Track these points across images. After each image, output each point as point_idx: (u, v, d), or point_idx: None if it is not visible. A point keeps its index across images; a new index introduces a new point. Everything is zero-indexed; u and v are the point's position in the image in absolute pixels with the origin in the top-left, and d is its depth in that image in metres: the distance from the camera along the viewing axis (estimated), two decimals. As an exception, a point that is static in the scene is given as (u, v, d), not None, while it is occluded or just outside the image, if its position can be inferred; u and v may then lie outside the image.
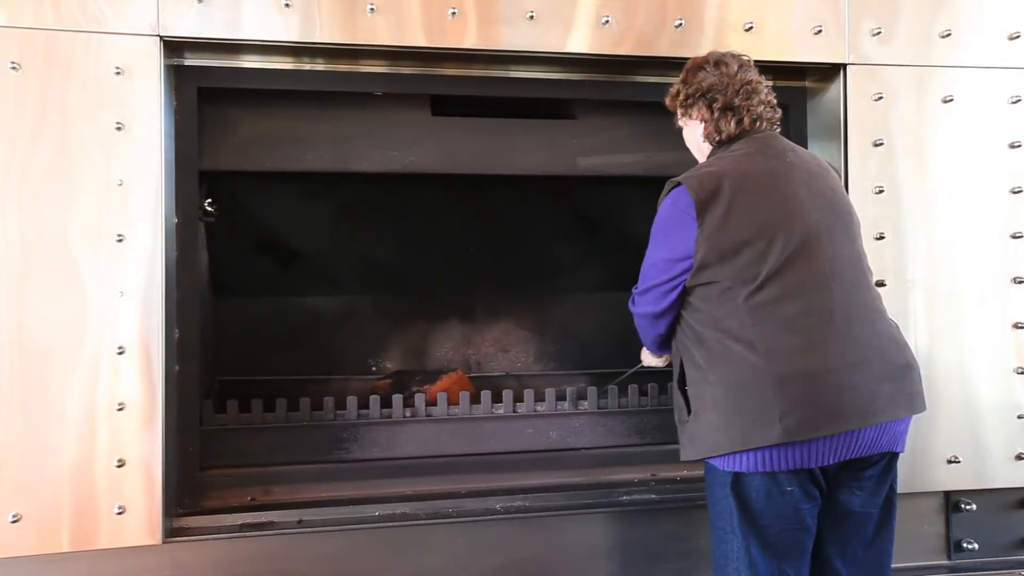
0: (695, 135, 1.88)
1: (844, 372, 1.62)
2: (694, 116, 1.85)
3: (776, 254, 1.64)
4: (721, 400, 1.65)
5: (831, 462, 1.63)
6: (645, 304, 1.81)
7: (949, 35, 2.35)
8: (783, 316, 1.64)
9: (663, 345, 1.94)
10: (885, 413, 1.65)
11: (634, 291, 1.85)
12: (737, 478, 1.63)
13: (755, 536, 1.64)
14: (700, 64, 1.85)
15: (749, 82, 1.82)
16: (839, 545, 1.74)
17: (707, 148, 1.86)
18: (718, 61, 1.83)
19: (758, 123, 1.81)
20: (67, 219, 1.88)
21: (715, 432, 1.65)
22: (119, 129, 1.88)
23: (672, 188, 1.76)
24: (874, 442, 1.66)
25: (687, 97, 1.84)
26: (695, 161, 2.01)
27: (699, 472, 1.99)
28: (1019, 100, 2.41)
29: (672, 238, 1.73)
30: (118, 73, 1.89)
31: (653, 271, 1.78)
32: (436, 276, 2.80)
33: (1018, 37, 2.40)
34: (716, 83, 1.80)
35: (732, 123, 1.79)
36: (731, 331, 1.66)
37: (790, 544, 1.66)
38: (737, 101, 1.79)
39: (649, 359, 2.09)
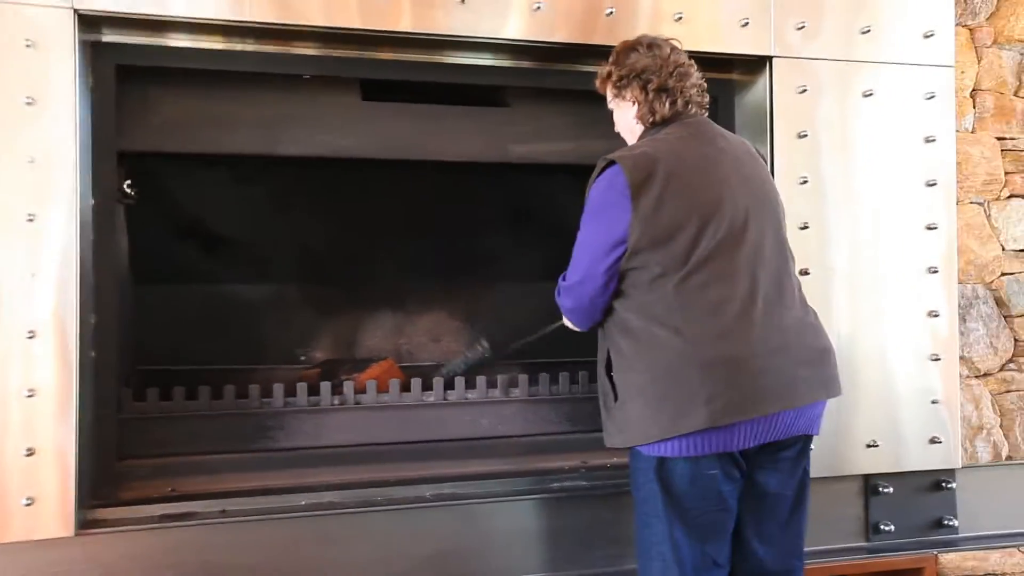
0: (627, 117, 1.88)
1: (765, 357, 1.64)
2: (627, 97, 1.84)
3: (707, 239, 1.65)
4: (648, 388, 1.66)
5: (752, 445, 1.65)
6: (576, 291, 1.79)
7: (869, 31, 2.39)
8: (709, 302, 1.65)
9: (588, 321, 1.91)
10: (803, 397, 1.69)
11: (562, 282, 1.84)
12: (661, 463, 1.64)
13: (679, 519, 1.65)
14: (632, 46, 1.85)
15: (682, 64, 1.82)
16: (756, 525, 1.77)
17: (639, 130, 1.86)
18: (651, 44, 1.83)
19: (690, 106, 1.82)
20: None
21: (642, 420, 1.66)
22: (30, 104, 1.84)
23: (606, 166, 1.74)
24: (792, 425, 1.69)
25: (620, 78, 1.84)
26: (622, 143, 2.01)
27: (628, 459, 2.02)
28: (933, 96, 2.46)
29: (605, 220, 1.72)
30: (28, 46, 1.84)
31: (586, 257, 1.76)
32: (367, 264, 2.80)
33: (932, 35, 2.45)
34: (650, 64, 1.80)
35: (666, 104, 1.79)
36: (658, 317, 1.66)
37: (712, 526, 1.69)
38: (671, 83, 1.79)
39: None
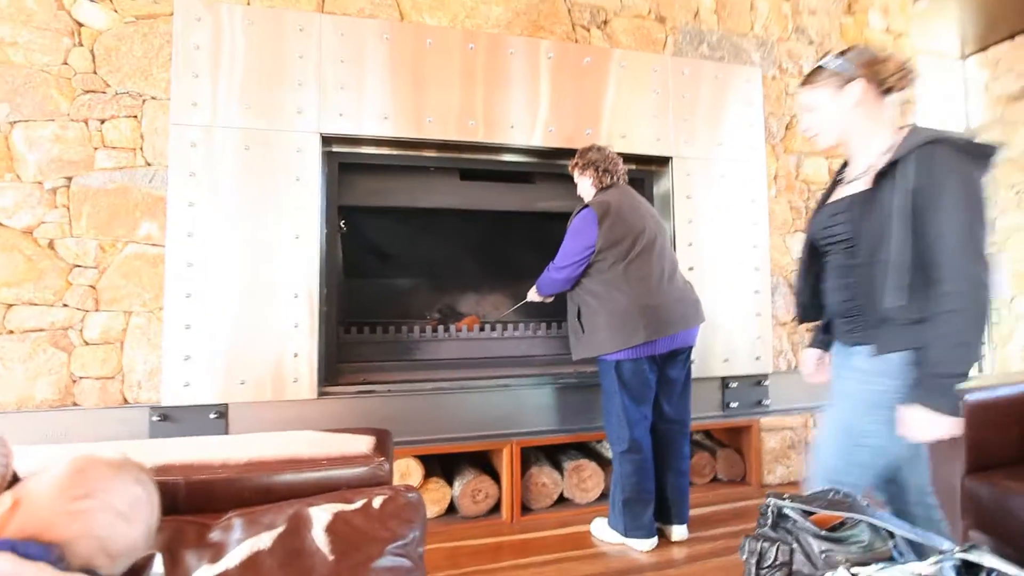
0: (586, 185, 1.93)
1: (670, 304, 1.80)
2: (587, 175, 1.91)
3: (637, 246, 1.81)
4: (608, 322, 1.76)
5: (664, 351, 1.79)
6: (563, 272, 1.82)
7: (721, 144, 2.44)
8: (639, 276, 1.79)
9: (556, 293, 1.95)
10: (688, 324, 1.82)
11: (551, 266, 1.87)
12: (619, 364, 1.76)
13: (627, 393, 1.77)
14: (588, 148, 1.93)
15: (615, 158, 1.92)
16: (665, 395, 1.87)
17: (592, 192, 1.92)
18: (599, 147, 1.93)
19: (619, 179, 1.91)
20: (271, 224, 1.93)
21: (606, 341, 1.75)
22: (297, 180, 1.96)
23: (583, 208, 1.84)
24: (684, 340, 1.81)
25: (584, 165, 1.91)
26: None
27: (594, 369, 2.03)
28: (755, 178, 2.47)
29: (584, 235, 1.80)
30: (298, 151, 1.96)
31: (571, 254, 1.81)
32: (461, 269, 2.71)
33: (753, 147, 2.47)
34: (599, 158, 1.89)
35: (608, 178, 1.89)
36: (613, 283, 1.78)
37: (644, 396, 1.79)
38: (610, 167, 1.90)
39: (533, 296, 2.04)
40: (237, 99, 1.91)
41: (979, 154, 1.03)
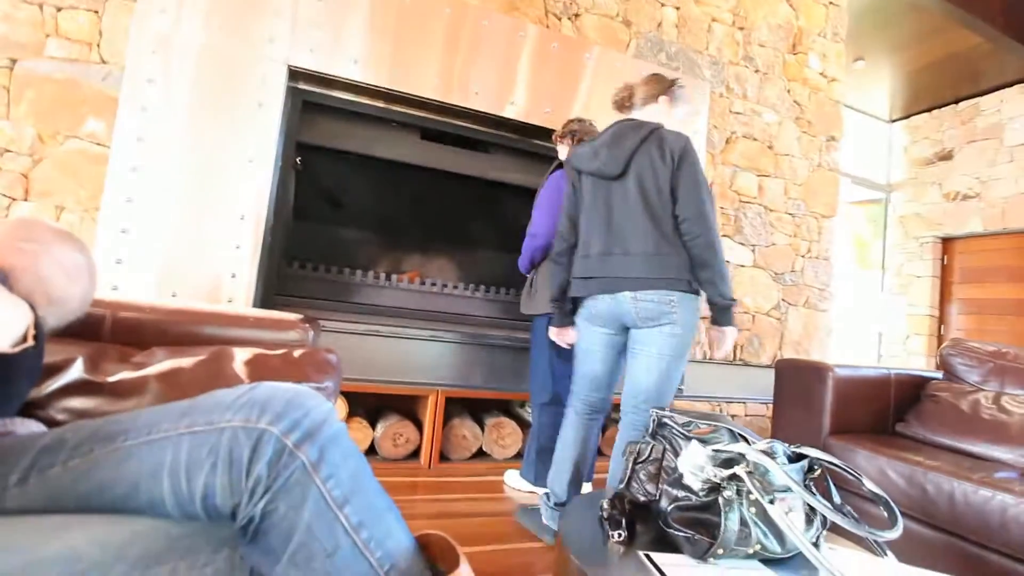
0: (564, 153, 1.95)
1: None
2: (564, 143, 1.94)
3: None
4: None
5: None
6: (540, 239, 1.83)
7: None
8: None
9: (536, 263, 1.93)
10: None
11: (528, 236, 1.87)
12: (551, 319, 1.76)
13: (555, 348, 1.80)
14: (571, 120, 1.96)
15: (594, 131, 1.92)
16: None
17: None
18: (580, 119, 1.97)
19: None
20: (226, 143, 1.91)
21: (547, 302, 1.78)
22: (260, 106, 1.97)
23: (555, 169, 1.89)
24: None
25: (563, 135, 1.94)
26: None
27: (525, 335, 2.20)
28: None
29: (559, 192, 1.78)
30: (264, 77, 1.98)
31: (548, 211, 1.79)
32: (409, 224, 2.67)
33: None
34: (579, 128, 1.92)
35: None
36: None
37: (569, 353, 1.79)
38: (586, 138, 1.85)
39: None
40: (207, 13, 1.91)
41: None
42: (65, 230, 0.73)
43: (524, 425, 2.39)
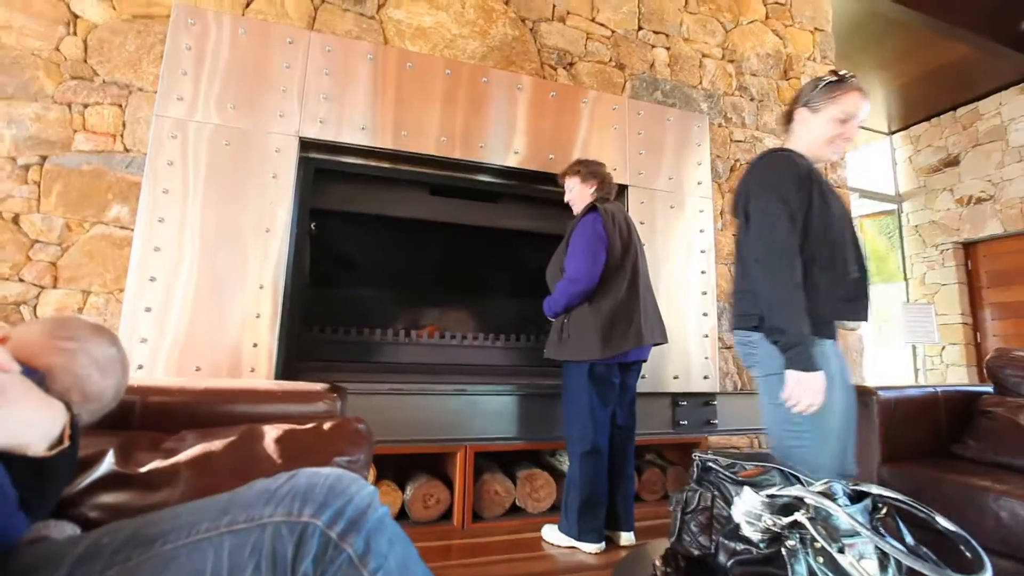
0: (586, 193, 1.95)
1: (648, 315, 1.87)
2: (590, 183, 1.94)
3: (629, 256, 1.86)
4: (599, 325, 1.78)
5: (631, 360, 1.86)
6: (580, 284, 1.79)
7: (672, 179, 2.62)
8: (628, 285, 1.84)
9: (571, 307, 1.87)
10: (655, 338, 1.89)
11: (565, 280, 1.82)
12: (592, 365, 1.78)
13: (596, 394, 1.79)
14: (587, 160, 1.98)
15: (609, 176, 2.01)
16: (620, 402, 1.91)
17: (588, 200, 1.93)
18: (597, 161, 2.01)
19: (611, 192, 2.01)
20: (242, 217, 1.96)
21: (594, 345, 1.76)
22: (274, 178, 2.03)
23: (588, 212, 1.87)
24: (647, 352, 1.91)
25: (587, 175, 1.94)
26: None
27: (552, 381, 2.15)
28: (703, 211, 2.66)
29: (598, 234, 1.81)
30: (277, 151, 2.04)
31: (587, 252, 1.79)
32: (425, 280, 2.71)
33: (701, 183, 2.67)
34: (604, 172, 1.98)
35: (607, 190, 1.97)
36: (607, 287, 1.81)
37: (610, 398, 1.83)
38: (608, 181, 1.99)
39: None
40: (222, 97, 2.01)
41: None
42: (99, 324, 0.75)
43: (557, 475, 2.30)
